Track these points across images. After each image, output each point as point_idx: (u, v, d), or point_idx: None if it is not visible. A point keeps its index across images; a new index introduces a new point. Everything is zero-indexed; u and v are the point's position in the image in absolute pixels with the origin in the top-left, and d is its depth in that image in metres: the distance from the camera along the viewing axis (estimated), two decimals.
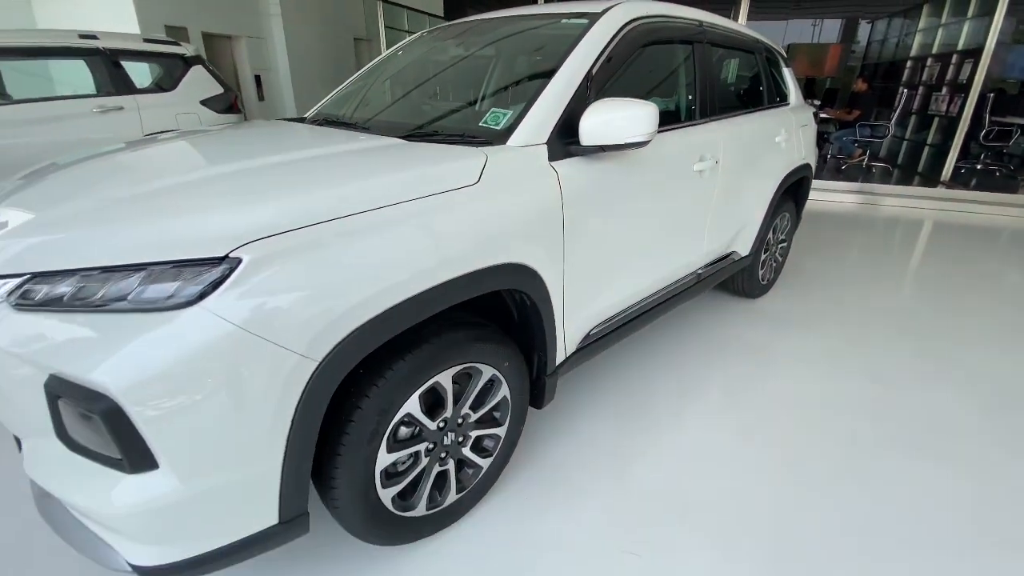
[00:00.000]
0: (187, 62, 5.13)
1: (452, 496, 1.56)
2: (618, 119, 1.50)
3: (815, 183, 6.47)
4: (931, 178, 7.06)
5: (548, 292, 1.55)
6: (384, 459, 1.30)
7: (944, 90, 7.32)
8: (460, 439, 1.51)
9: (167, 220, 1.01)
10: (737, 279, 3.17)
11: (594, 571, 1.46)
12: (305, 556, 1.49)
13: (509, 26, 2.15)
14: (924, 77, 7.72)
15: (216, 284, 0.95)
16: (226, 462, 1.02)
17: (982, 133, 7.27)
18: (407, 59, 2.38)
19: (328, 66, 9.91)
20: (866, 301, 3.37)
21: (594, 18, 1.80)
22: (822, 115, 7.69)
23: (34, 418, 1.03)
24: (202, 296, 0.94)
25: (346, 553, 1.50)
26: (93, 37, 4.61)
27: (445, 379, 1.38)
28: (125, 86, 4.70)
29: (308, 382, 1.05)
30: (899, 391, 2.35)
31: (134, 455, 0.95)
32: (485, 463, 1.62)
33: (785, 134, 2.88)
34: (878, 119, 7.60)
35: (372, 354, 1.19)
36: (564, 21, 1.91)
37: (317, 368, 1.05)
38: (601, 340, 1.94)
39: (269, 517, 1.13)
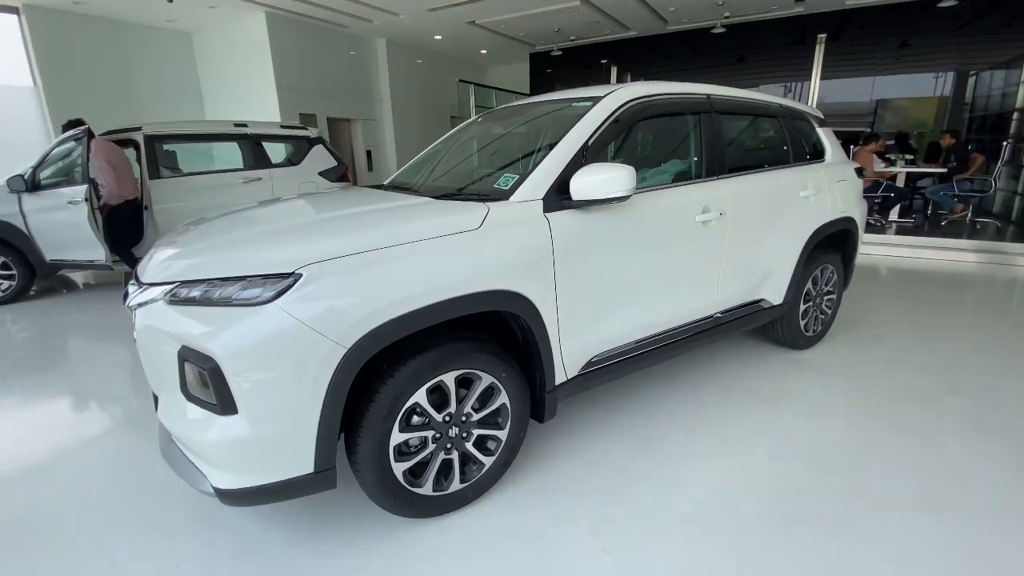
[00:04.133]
0: (310, 142, 6.34)
1: (456, 484, 1.88)
2: (600, 179, 1.87)
3: (911, 239, 6.16)
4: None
5: (541, 317, 1.89)
6: (397, 437, 1.68)
7: None
8: (464, 434, 1.86)
9: (259, 250, 1.56)
10: (776, 327, 3.23)
11: (571, 563, 1.68)
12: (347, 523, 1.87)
13: (537, 109, 2.66)
14: (1014, 129, 7.16)
15: (284, 290, 1.44)
16: (281, 415, 1.47)
17: None
18: (457, 138, 2.96)
19: (427, 141, 11.31)
20: (927, 366, 3.22)
21: (596, 100, 2.22)
22: (912, 169, 7.33)
23: (168, 378, 1.57)
24: (276, 298, 1.43)
25: (367, 522, 1.86)
26: (244, 125, 5.93)
27: (449, 379, 1.75)
28: (264, 162, 5.93)
29: (339, 362, 1.49)
30: (928, 457, 2.28)
31: (224, 402, 1.43)
32: (488, 461, 1.94)
33: (813, 189, 3.02)
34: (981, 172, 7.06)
35: (390, 351, 1.62)
36: (575, 104, 2.35)
37: (346, 353, 1.49)
38: (606, 368, 2.21)
39: (306, 465, 1.55)
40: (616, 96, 2.24)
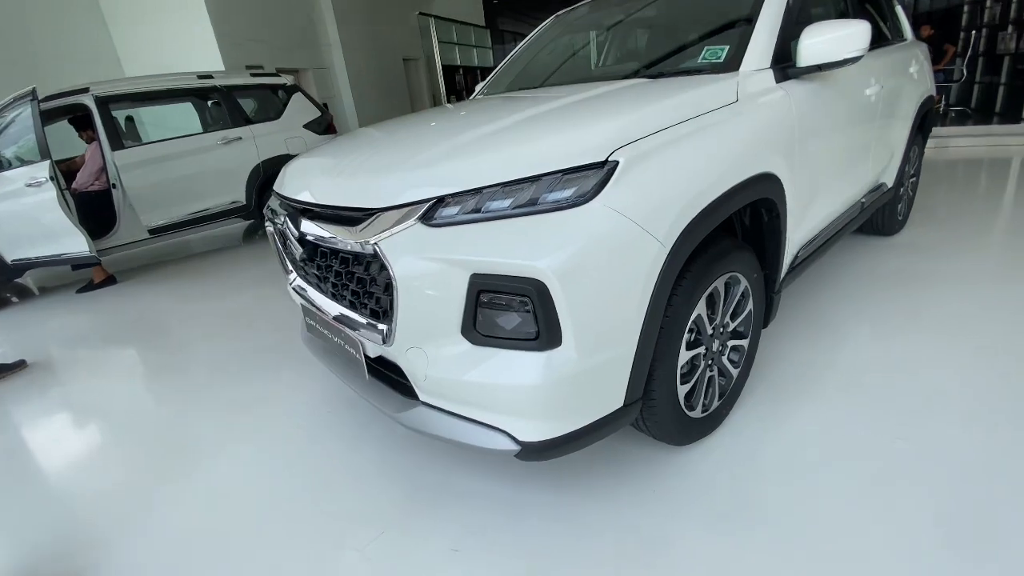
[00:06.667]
0: (288, 91, 5.56)
1: (715, 402, 1.69)
2: (836, 38, 1.63)
3: None
4: (1010, 117, 6.76)
5: (786, 203, 1.68)
6: (683, 356, 1.45)
7: (1010, 28, 7.06)
8: (721, 347, 1.65)
9: (551, 140, 1.21)
10: (876, 215, 3.19)
11: (863, 455, 1.55)
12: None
13: None
14: (986, 19, 7.48)
15: (603, 183, 1.12)
16: (603, 341, 1.19)
17: None
18: (550, 39, 2.57)
19: (383, 88, 10.40)
20: (993, 228, 3.32)
21: None
22: None
23: (439, 322, 1.22)
24: (596, 193, 1.12)
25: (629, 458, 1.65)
26: (209, 76, 5.07)
27: (720, 284, 1.52)
28: (242, 118, 5.14)
29: (662, 268, 1.21)
30: None
31: (549, 332, 1.13)
32: (735, 373, 1.75)
33: (916, 65, 2.92)
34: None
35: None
36: None
37: (667, 256, 1.22)
38: (796, 268, 2.05)
39: (617, 399, 1.29)
40: None
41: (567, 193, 1.12)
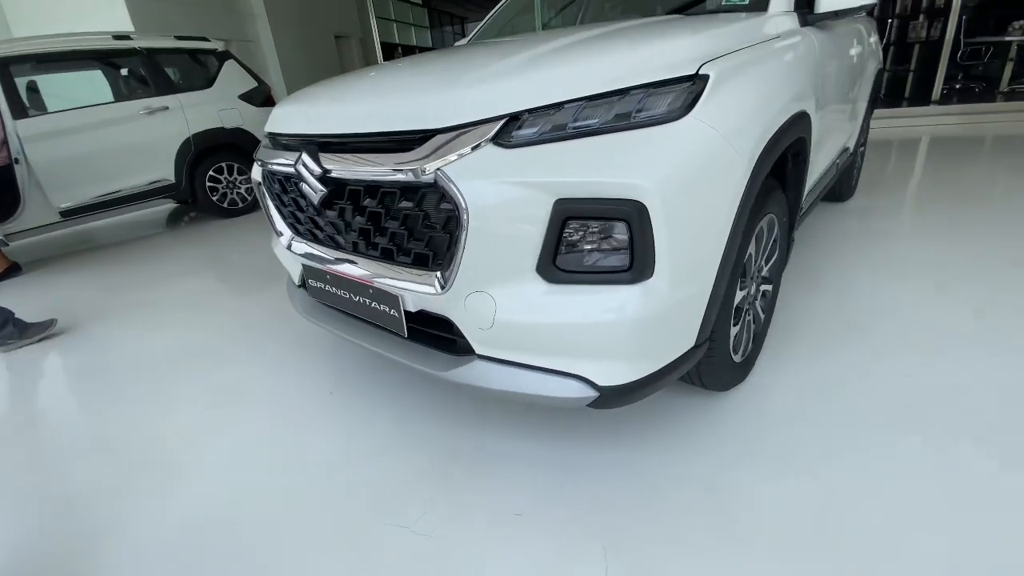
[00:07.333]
0: (219, 57, 5.01)
1: (749, 346, 1.69)
2: None
3: None
4: (919, 102, 7.54)
5: (810, 145, 1.69)
6: (738, 296, 1.42)
7: (921, 17, 7.82)
8: (755, 291, 1.65)
9: (634, 51, 1.11)
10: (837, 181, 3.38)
11: (889, 391, 1.62)
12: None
13: None
14: (898, 9, 8.22)
15: (696, 97, 1.05)
16: (690, 272, 1.12)
17: (958, 54, 7.81)
18: None
19: (314, 67, 9.74)
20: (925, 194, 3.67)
21: None
22: None
23: (514, 257, 1.09)
24: (690, 108, 1.04)
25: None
26: (127, 38, 4.46)
27: (765, 224, 1.51)
28: (168, 85, 4.57)
29: (743, 194, 1.16)
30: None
31: (642, 262, 1.04)
32: (763, 317, 1.76)
33: (875, 36, 3.11)
34: None
35: None
36: None
37: (748, 181, 1.17)
38: (800, 217, 2.10)
39: (690, 339, 1.23)
40: None
41: (660, 108, 1.03)
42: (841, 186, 3.40)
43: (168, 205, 5.90)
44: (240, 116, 4.97)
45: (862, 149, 3.66)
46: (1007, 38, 7.54)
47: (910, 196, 3.62)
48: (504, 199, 1.05)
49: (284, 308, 2.65)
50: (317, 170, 1.29)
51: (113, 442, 1.76)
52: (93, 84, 4.39)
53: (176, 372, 2.18)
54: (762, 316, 1.75)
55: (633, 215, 1.00)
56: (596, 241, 1.05)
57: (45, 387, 2.24)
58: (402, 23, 10.22)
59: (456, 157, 1.07)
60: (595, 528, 1.23)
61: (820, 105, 1.75)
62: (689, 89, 1.05)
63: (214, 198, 4.85)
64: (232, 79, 5.02)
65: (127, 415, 1.91)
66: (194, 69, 4.91)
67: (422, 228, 1.19)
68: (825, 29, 1.88)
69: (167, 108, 4.51)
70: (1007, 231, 2.77)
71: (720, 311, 1.32)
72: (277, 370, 2.08)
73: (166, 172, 4.57)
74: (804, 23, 1.72)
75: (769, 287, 1.76)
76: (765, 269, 1.67)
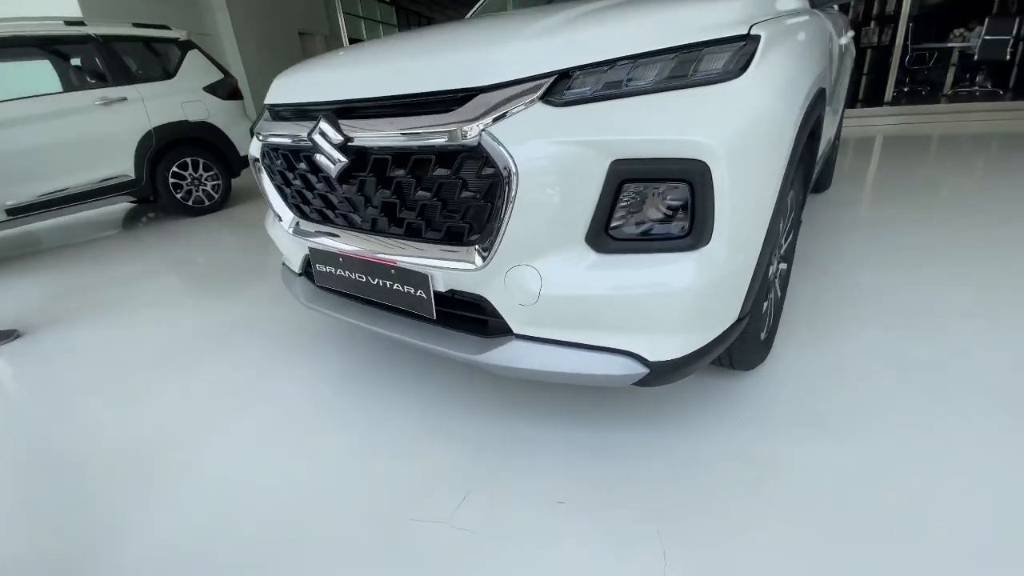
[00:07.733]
0: (181, 47, 4.74)
1: (770, 322, 1.68)
2: None
3: None
4: (872, 103, 7.94)
5: (823, 124, 1.70)
6: (771, 270, 1.40)
7: (872, 24, 8.26)
8: (778, 267, 1.64)
9: (669, 14, 1.06)
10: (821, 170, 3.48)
11: (905, 360, 1.64)
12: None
13: None
14: (852, 15, 8.67)
15: (750, 57, 1.01)
16: (744, 240, 1.09)
17: (906, 59, 8.28)
18: None
19: (277, 64, 9.40)
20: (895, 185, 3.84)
21: None
22: None
23: (566, 227, 1.03)
24: (745, 68, 1.00)
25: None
26: (80, 23, 4.15)
27: (791, 199, 1.50)
28: (126, 75, 4.28)
29: (789, 158, 1.14)
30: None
31: (702, 227, 1.00)
32: (779, 294, 1.76)
33: (852, 33, 3.21)
34: None
35: None
36: None
37: (792, 146, 1.14)
38: None
39: (734, 312, 1.20)
40: None
41: (716, 66, 0.99)
42: (823, 176, 3.50)
43: (124, 204, 5.54)
44: (206, 109, 4.71)
45: (837, 142, 3.79)
46: (948, 44, 8.03)
47: (882, 187, 3.77)
48: (556, 161, 0.98)
49: (270, 309, 2.49)
50: (338, 138, 1.18)
51: (109, 443, 1.58)
52: (43, 73, 4.06)
53: (158, 371, 2.00)
54: (780, 293, 1.74)
55: (696, 176, 0.95)
56: (653, 206, 1.00)
57: (16, 394, 2.01)
58: (370, 20, 10.02)
59: (503, 116, 0.99)
60: (644, 511, 1.17)
61: (830, 87, 1.77)
62: (743, 49, 1.02)
63: (178, 195, 4.57)
64: (196, 70, 4.75)
65: (95, 419, 1.73)
66: (154, 59, 4.61)
67: (458, 198, 1.11)
68: (827, 15, 1.90)
69: (125, 99, 4.22)
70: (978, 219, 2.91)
71: (760, 285, 1.30)
72: (278, 370, 1.94)
73: (125, 167, 4.27)
74: (812, 5, 1.73)
75: (785, 265, 1.76)
76: (784, 246, 1.67)
